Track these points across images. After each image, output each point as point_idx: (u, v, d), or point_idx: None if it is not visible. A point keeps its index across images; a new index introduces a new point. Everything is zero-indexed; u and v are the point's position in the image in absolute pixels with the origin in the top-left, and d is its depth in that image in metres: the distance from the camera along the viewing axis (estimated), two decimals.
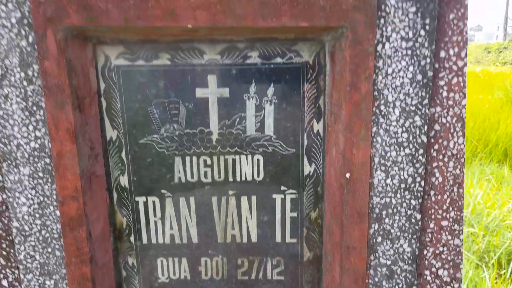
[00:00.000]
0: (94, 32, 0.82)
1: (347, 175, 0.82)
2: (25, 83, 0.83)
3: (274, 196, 0.98)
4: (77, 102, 0.84)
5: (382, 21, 0.77)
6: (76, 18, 0.76)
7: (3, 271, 0.96)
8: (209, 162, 0.96)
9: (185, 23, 0.76)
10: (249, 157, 0.96)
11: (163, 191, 0.98)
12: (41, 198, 0.90)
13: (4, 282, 0.97)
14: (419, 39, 0.78)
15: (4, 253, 0.95)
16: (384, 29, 0.78)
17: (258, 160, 0.96)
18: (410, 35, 0.78)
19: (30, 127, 0.85)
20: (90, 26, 0.77)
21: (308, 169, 0.96)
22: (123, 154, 0.95)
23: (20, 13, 0.79)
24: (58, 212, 0.90)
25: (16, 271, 0.96)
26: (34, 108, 0.84)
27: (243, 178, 0.97)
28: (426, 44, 0.78)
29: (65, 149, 0.84)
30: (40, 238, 0.92)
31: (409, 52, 0.79)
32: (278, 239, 1.00)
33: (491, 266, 2.67)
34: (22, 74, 0.82)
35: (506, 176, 4.46)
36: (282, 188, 0.97)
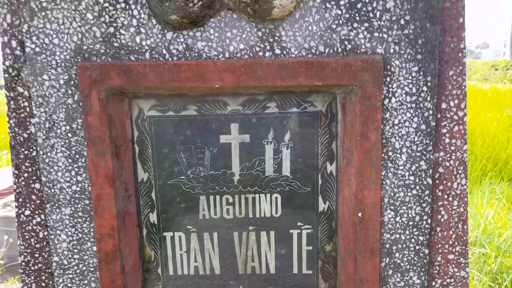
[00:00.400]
0: (131, 90, 0.92)
1: (359, 214, 0.91)
2: (69, 134, 0.93)
3: (291, 231, 1.06)
4: (115, 150, 0.94)
5: (388, 79, 0.87)
6: (117, 80, 0.87)
7: None
8: (231, 200, 1.05)
9: (213, 84, 0.86)
10: (268, 195, 1.05)
11: (188, 227, 1.07)
12: (80, 235, 0.99)
13: None
14: (422, 94, 0.87)
15: (43, 284, 1.04)
16: (390, 85, 0.87)
17: (276, 198, 1.05)
18: (414, 90, 0.87)
19: (73, 173, 0.95)
20: (129, 87, 0.88)
21: (322, 206, 1.04)
22: (153, 194, 1.04)
23: (68, 76, 0.89)
24: (95, 248, 0.99)
25: None
26: (77, 156, 0.94)
27: (262, 215, 1.06)
28: (428, 98, 0.87)
29: (103, 192, 0.94)
30: (78, 271, 1.01)
31: (413, 105, 0.88)
32: (295, 270, 1.08)
33: None
34: (67, 127, 0.92)
35: None
36: (299, 223, 1.06)
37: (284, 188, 1.04)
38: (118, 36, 0.88)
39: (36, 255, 1.02)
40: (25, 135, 0.96)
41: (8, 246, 2.57)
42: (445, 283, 0.97)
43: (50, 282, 1.04)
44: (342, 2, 0.85)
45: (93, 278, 1.01)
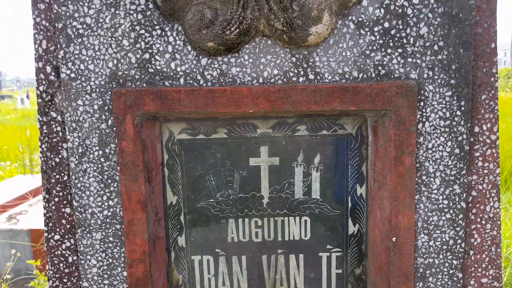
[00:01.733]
0: (164, 114, 0.93)
1: (394, 239, 0.90)
2: (102, 159, 0.93)
3: (320, 254, 1.06)
4: (147, 174, 0.94)
5: (422, 103, 0.88)
6: (152, 106, 0.87)
7: None
8: (260, 223, 1.05)
9: (247, 109, 0.87)
10: (297, 218, 1.04)
11: (217, 250, 1.06)
12: (110, 260, 0.98)
13: None
14: (456, 118, 0.88)
15: None
16: (424, 110, 0.88)
17: (306, 221, 1.04)
18: (448, 115, 0.88)
19: (104, 197, 0.95)
20: (163, 112, 0.88)
21: (352, 229, 1.04)
22: (182, 217, 1.04)
23: (102, 101, 0.90)
24: (125, 273, 0.99)
25: None
26: (109, 181, 0.94)
27: (291, 238, 1.05)
28: (462, 122, 0.88)
29: (136, 217, 0.94)
30: None
31: (447, 129, 0.88)
32: None
33: None
34: (100, 152, 0.93)
35: None
36: (328, 246, 1.05)
37: (313, 211, 1.04)
38: (153, 62, 0.89)
39: (65, 280, 1.02)
40: (57, 160, 0.96)
41: (16, 260, 2.55)
42: None
43: None
44: (376, 29, 0.86)
45: None
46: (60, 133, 0.95)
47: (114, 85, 0.90)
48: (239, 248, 1.06)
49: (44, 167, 0.97)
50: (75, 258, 1.00)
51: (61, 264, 1.01)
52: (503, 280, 2.89)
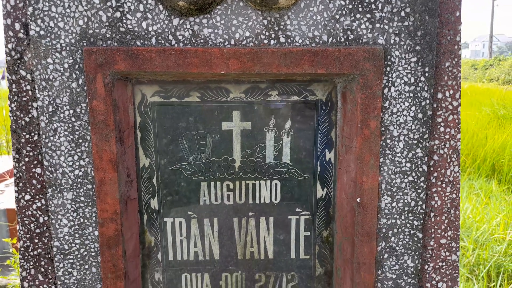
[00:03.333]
0: (135, 75, 0.93)
1: (358, 199, 0.94)
2: (73, 119, 0.93)
3: (289, 217, 1.09)
4: (119, 135, 0.95)
5: (388, 68, 0.90)
6: (123, 65, 0.87)
7: (41, 287, 1.05)
8: (231, 186, 1.07)
9: (218, 70, 0.88)
10: (268, 182, 1.07)
11: (189, 212, 1.08)
12: (82, 220, 0.99)
13: None
14: (420, 84, 0.91)
15: (43, 270, 1.04)
16: (390, 75, 0.90)
17: (276, 185, 1.07)
18: (412, 80, 0.91)
19: (75, 157, 0.96)
20: (135, 71, 0.88)
21: (320, 193, 1.07)
22: (154, 180, 1.06)
23: (73, 59, 0.90)
24: (96, 233, 1.00)
25: (53, 287, 1.05)
26: (80, 140, 0.95)
27: (262, 201, 1.08)
28: (426, 88, 0.91)
29: (107, 177, 0.95)
30: (79, 256, 1.01)
31: (411, 94, 0.91)
32: (293, 255, 1.11)
33: (481, 279, 2.76)
34: (71, 111, 0.93)
35: (494, 190, 4.59)
36: (297, 209, 1.08)
37: (283, 175, 1.07)
38: (124, 21, 0.89)
39: (36, 240, 1.02)
40: (27, 119, 0.96)
41: None
42: (437, 266, 1.01)
43: (50, 268, 1.04)
44: None
45: (94, 263, 1.01)
46: (30, 92, 0.95)
47: (85, 44, 0.90)
48: (211, 211, 1.08)
49: (14, 127, 0.96)
50: (46, 218, 1.01)
51: (32, 225, 1.01)
52: (470, 262, 3.01)
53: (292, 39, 0.90)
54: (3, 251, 2.65)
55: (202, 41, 0.90)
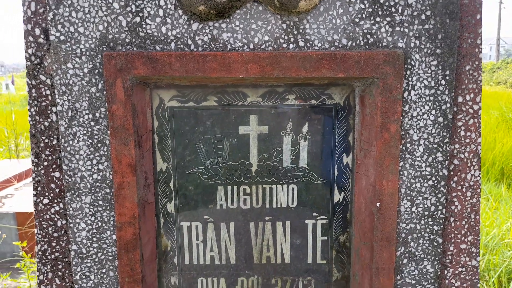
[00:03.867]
0: (154, 79, 0.93)
1: (378, 204, 0.93)
2: (92, 123, 0.93)
3: (306, 221, 1.08)
4: (137, 139, 0.95)
5: (408, 72, 0.90)
6: (143, 69, 0.88)
7: None
8: (248, 190, 1.07)
9: (237, 74, 0.88)
10: (285, 186, 1.07)
11: (205, 216, 1.08)
12: (100, 224, 1.00)
13: None
14: (440, 87, 0.90)
15: (60, 273, 1.05)
16: (410, 79, 0.90)
17: (293, 189, 1.07)
18: (433, 84, 0.90)
19: (94, 161, 0.96)
20: (154, 75, 0.89)
21: (337, 197, 1.07)
22: (171, 184, 1.06)
23: (92, 64, 0.90)
24: (114, 236, 1.00)
25: None
26: (99, 145, 0.95)
27: (279, 205, 1.08)
28: (446, 92, 0.90)
29: (126, 181, 0.95)
30: (96, 260, 1.01)
31: (432, 98, 0.91)
32: (309, 260, 1.10)
33: (492, 285, 2.73)
34: (90, 116, 0.93)
35: (503, 195, 4.54)
36: (314, 214, 1.08)
37: (300, 179, 1.06)
38: (144, 26, 0.89)
39: (53, 244, 1.03)
40: (46, 124, 0.96)
41: (1, 243, 2.55)
42: (456, 272, 1.00)
43: (67, 271, 1.04)
44: None
45: (111, 267, 1.01)
46: (50, 97, 0.95)
47: (105, 49, 0.90)
48: (227, 215, 1.08)
49: (33, 131, 0.97)
50: (64, 222, 1.01)
51: (50, 228, 1.02)
52: (480, 267, 2.98)
53: (311, 43, 0.90)
54: (13, 254, 2.67)
55: (221, 45, 0.90)
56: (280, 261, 1.11)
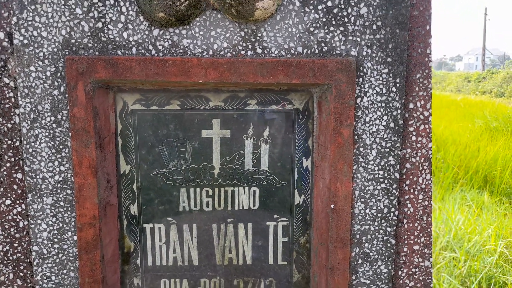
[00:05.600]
0: (116, 83, 0.96)
1: (332, 206, 0.97)
2: (54, 125, 0.95)
3: (267, 223, 1.11)
4: (99, 141, 0.97)
5: (360, 79, 0.94)
6: (104, 73, 0.90)
7: None
8: (210, 193, 1.09)
9: (197, 79, 0.91)
10: (246, 189, 1.09)
11: (168, 218, 1.10)
12: (61, 225, 1.01)
13: None
14: (391, 94, 0.94)
15: (21, 274, 1.05)
16: (362, 86, 0.94)
17: (254, 191, 1.09)
18: (384, 91, 0.94)
19: (56, 163, 0.97)
20: (115, 79, 0.91)
21: (298, 199, 1.10)
22: (134, 186, 1.07)
23: (55, 68, 0.92)
24: (75, 237, 1.01)
25: None
26: (61, 146, 0.96)
27: (241, 207, 1.10)
28: (397, 98, 0.95)
29: (86, 182, 0.96)
30: (57, 260, 1.02)
31: (383, 104, 0.95)
32: (271, 261, 1.13)
33: None
34: (52, 118, 0.95)
35: (486, 202, 4.61)
36: (275, 216, 1.11)
37: (262, 182, 1.09)
38: (106, 31, 0.92)
39: (15, 245, 1.03)
40: (9, 125, 0.98)
41: None
42: (410, 272, 1.04)
43: (29, 272, 1.05)
44: (320, 7, 0.92)
45: (72, 268, 1.02)
46: (13, 99, 0.97)
47: (67, 53, 0.92)
48: (190, 217, 1.10)
49: None
50: (26, 223, 1.02)
51: (12, 229, 1.02)
52: (462, 273, 3.01)
53: (268, 50, 0.94)
54: None
55: (181, 51, 0.93)
56: (242, 262, 1.13)
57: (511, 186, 5.20)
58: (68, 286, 1.03)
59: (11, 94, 0.97)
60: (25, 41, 0.92)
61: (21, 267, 1.04)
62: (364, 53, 0.93)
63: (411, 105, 0.98)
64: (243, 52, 0.94)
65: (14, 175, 1.00)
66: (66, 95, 0.93)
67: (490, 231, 3.51)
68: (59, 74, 0.93)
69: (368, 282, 1.02)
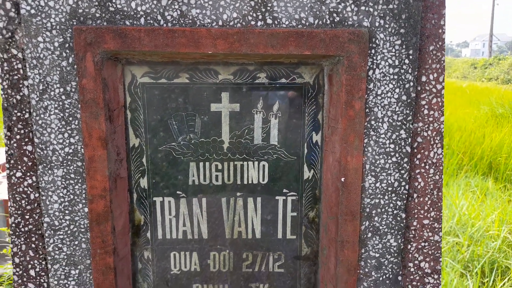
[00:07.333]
0: (124, 55, 0.95)
1: (342, 179, 0.96)
2: (63, 97, 0.95)
3: (277, 197, 1.11)
4: (108, 113, 0.96)
5: (373, 51, 0.92)
6: (112, 44, 0.89)
7: (31, 262, 1.07)
8: (220, 167, 1.09)
9: (206, 50, 0.89)
10: (256, 163, 1.09)
11: (178, 192, 1.10)
12: (72, 197, 1.01)
13: (32, 272, 1.08)
14: (404, 66, 0.93)
15: (33, 246, 1.07)
16: (374, 57, 0.92)
17: (264, 166, 1.09)
18: (396, 63, 0.92)
19: (66, 135, 0.97)
20: (123, 50, 0.90)
21: (307, 174, 1.09)
22: (144, 159, 1.08)
23: (63, 38, 0.91)
24: (86, 209, 1.02)
25: (44, 262, 1.07)
26: (70, 118, 0.96)
27: (250, 182, 1.10)
28: (410, 71, 0.93)
29: (96, 154, 0.97)
30: (69, 232, 1.03)
31: (396, 77, 0.93)
32: (280, 235, 1.13)
33: (475, 275, 2.78)
34: (61, 89, 0.94)
35: (490, 188, 4.60)
36: (284, 190, 1.10)
37: (271, 156, 1.08)
38: (114, 0, 0.90)
39: (27, 217, 1.04)
40: (18, 97, 0.98)
41: None
42: (420, 246, 1.04)
43: (40, 244, 1.06)
44: None
45: (83, 239, 1.03)
46: (21, 71, 0.96)
47: (75, 23, 0.91)
48: (199, 191, 1.10)
49: (5, 105, 0.98)
50: (36, 195, 1.03)
51: (23, 201, 1.03)
52: (465, 258, 3.02)
53: (278, 20, 0.92)
54: None
55: (190, 21, 0.92)
56: (251, 236, 1.13)
57: None
58: (80, 257, 1.04)
59: (19, 66, 0.96)
60: (32, 11, 0.91)
61: (33, 239, 1.06)
62: (377, 24, 0.91)
63: (423, 78, 0.96)
64: (253, 22, 0.92)
65: (24, 147, 1.00)
66: (75, 66, 0.93)
67: (494, 217, 3.52)
68: (67, 45, 0.92)
69: (377, 255, 1.02)
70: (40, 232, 1.05)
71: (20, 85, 0.97)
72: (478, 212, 3.71)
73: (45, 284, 1.07)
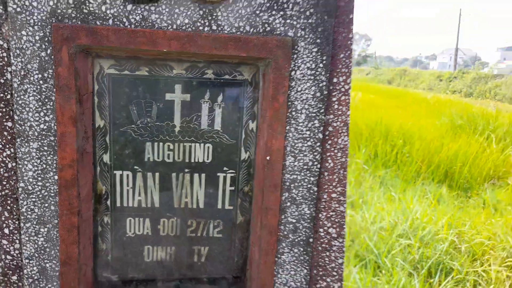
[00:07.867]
0: (94, 49, 1.16)
1: (268, 158, 1.20)
2: (41, 82, 1.15)
3: (218, 174, 1.34)
4: (79, 97, 1.17)
5: (295, 56, 1.17)
6: (85, 40, 1.10)
7: (6, 222, 1.26)
8: (171, 147, 1.31)
9: (162, 48, 1.12)
10: (202, 145, 1.32)
11: (135, 167, 1.32)
12: (44, 166, 1.21)
13: (6, 230, 1.26)
14: (319, 69, 1.18)
15: (9, 208, 1.25)
16: (296, 61, 1.17)
17: (208, 147, 1.32)
18: (313, 66, 1.18)
19: (42, 113, 1.17)
20: (94, 45, 1.11)
21: (244, 155, 1.33)
22: (107, 138, 1.28)
23: (43, 33, 1.12)
24: (56, 177, 1.22)
25: (17, 222, 1.26)
26: (46, 100, 1.16)
27: (196, 160, 1.33)
28: (323, 73, 1.18)
29: (67, 131, 1.17)
30: (40, 196, 1.23)
31: (312, 77, 1.18)
32: (219, 206, 1.36)
33: (422, 275, 3.03)
34: (40, 76, 1.14)
35: (443, 195, 4.89)
36: (224, 168, 1.34)
37: (215, 140, 1.32)
38: (87, 4, 1.11)
39: (4, 183, 1.23)
40: (2, 81, 1.17)
41: None
42: (328, 215, 1.29)
43: (15, 206, 1.25)
44: None
45: (53, 202, 1.23)
46: (6, 58, 1.15)
47: (54, 20, 1.12)
48: (153, 166, 1.32)
49: None
50: (13, 164, 1.22)
51: (1, 169, 1.22)
52: (415, 259, 3.26)
53: (222, 27, 1.15)
54: None
55: (150, 24, 1.14)
56: (196, 206, 1.36)
57: (469, 181, 5.55)
58: (49, 218, 1.24)
59: (4, 54, 1.15)
60: (18, 9, 1.11)
61: (9, 201, 1.24)
62: (299, 34, 1.16)
63: (334, 79, 1.22)
64: (201, 28, 1.15)
65: (5, 123, 1.19)
66: (52, 57, 1.13)
67: (444, 221, 3.76)
68: (46, 39, 1.12)
69: (294, 221, 1.27)
70: (15, 196, 1.24)
71: (4, 71, 1.16)
72: (430, 217, 3.93)
73: (17, 241, 1.26)
